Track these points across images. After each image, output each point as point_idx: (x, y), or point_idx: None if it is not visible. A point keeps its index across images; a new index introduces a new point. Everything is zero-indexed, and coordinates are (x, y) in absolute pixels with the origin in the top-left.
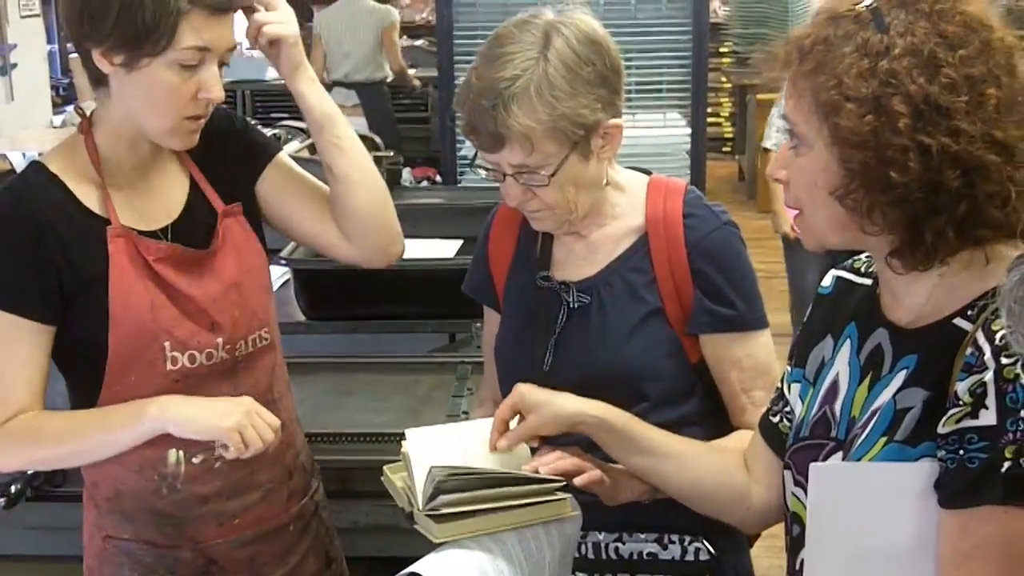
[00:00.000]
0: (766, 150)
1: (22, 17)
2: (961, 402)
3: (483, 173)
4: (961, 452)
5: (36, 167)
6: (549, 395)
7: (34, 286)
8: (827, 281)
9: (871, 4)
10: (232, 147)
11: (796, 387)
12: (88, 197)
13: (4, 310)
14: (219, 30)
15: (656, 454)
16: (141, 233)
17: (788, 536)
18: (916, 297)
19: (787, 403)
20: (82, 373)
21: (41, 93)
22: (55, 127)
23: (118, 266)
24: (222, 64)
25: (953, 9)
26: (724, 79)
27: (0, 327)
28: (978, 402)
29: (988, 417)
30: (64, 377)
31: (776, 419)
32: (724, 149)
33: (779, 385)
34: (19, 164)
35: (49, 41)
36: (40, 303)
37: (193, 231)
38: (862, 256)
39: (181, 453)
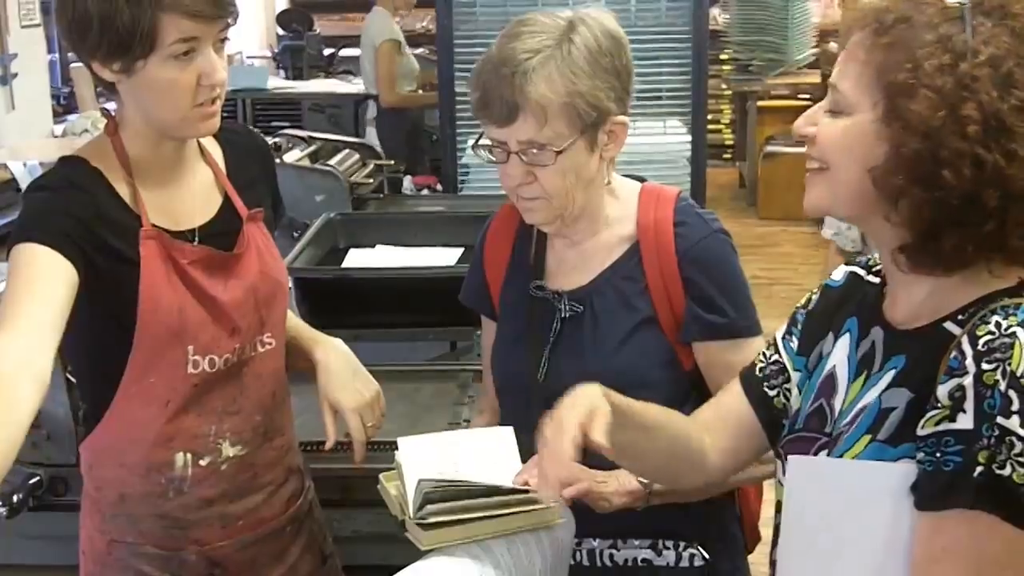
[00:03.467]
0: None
1: (23, 27)
2: (940, 405)
3: (484, 154)
4: (938, 455)
5: (73, 159)
6: (551, 428)
7: (66, 228)
8: (838, 275)
9: (964, 2)
10: (260, 169)
11: (796, 376)
12: (123, 193)
13: (32, 242)
14: (202, 24)
15: (646, 428)
16: (172, 235)
17: (774, 525)
18: (913, 298)
19: (785, 372)
20: (100, 373)
21: (42, 103)
22: (56, 136)
23: (149, 269)
24: (223, 40)
25: None
26: (724, 86)
27: (24, 256)
28: (957, 406)
29: (965, 421)
30: (77, 381)
31: (772, 392)
32: (725, 156)
33: (775, 343)
34: (20, 173)
35: (50, 51)
36: (68, 241)
37: (220, 235)
38: (876, 255)
39: (189, 456)
